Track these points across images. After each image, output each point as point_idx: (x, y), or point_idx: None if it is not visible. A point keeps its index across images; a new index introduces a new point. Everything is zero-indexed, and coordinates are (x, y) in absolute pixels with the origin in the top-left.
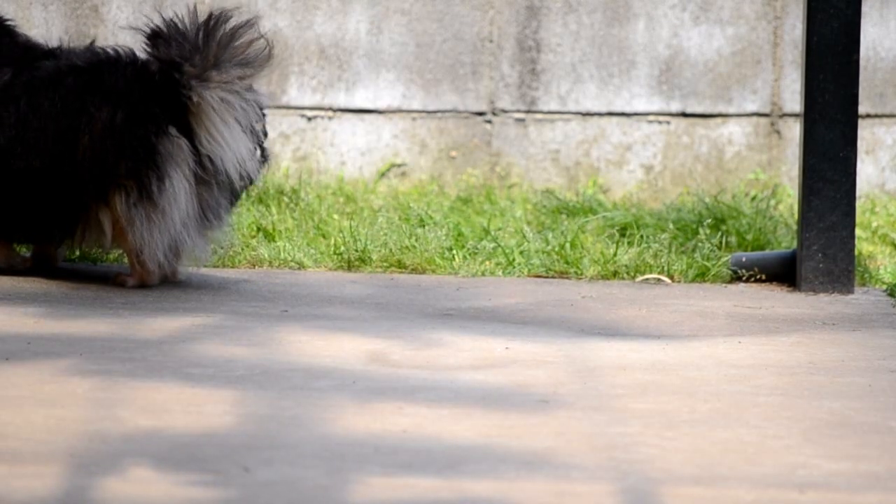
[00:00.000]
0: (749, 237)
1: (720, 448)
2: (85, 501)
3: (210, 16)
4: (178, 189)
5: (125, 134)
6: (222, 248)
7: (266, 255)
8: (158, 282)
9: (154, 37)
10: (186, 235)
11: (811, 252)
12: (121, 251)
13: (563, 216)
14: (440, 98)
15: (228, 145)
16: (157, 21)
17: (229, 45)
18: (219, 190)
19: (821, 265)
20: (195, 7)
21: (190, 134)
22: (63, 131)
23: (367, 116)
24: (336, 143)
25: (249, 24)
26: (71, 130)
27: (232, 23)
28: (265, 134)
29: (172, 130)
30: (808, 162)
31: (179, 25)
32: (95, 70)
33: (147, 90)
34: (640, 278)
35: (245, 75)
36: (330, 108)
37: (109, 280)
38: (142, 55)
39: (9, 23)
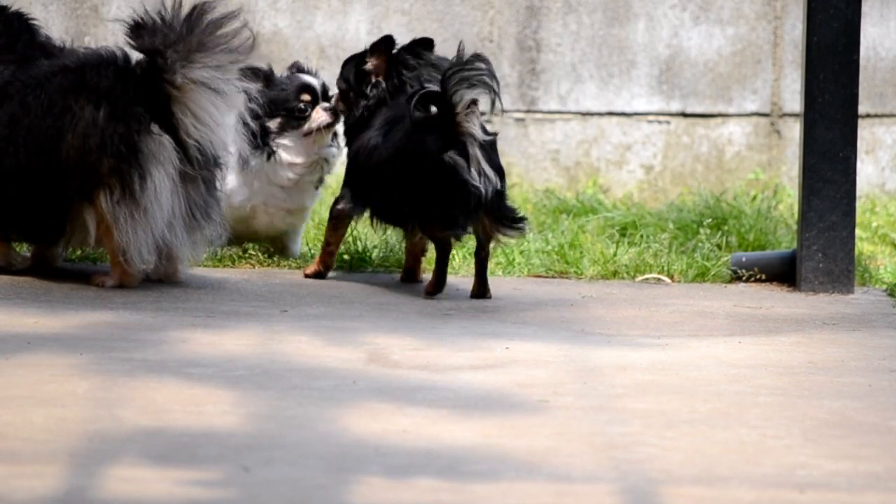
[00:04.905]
0: (750, 237)
1: (720, 448)
2: (85, 501)
3: (194, 7)
4: (161, 187)
5: (107, 132)
6: (217, 248)
7: (266, 255)
8: (138, 284)
9: (137, 28)
10: (173, 235)
11: (811, 252)
12: None
13: (564, 216)
14: None
15: (218, 125)
16: (141, 13)
17: (214, 33)
18: (206, 188)
19: (821, 265)
20: (180, 1)
21: (175, 130)
22: (49, 130)
23: None
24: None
25: (233, 14)
26: (56, 129)
27: (216, 13)
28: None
29: (155, 128)
30: (808, 162)
31: (163, 16)
32: (81, 70)
33: (130, 89)
34: (640, 278)
35: (229, 61)
36: None
37: (87, 280)
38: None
39: (32, 21)
